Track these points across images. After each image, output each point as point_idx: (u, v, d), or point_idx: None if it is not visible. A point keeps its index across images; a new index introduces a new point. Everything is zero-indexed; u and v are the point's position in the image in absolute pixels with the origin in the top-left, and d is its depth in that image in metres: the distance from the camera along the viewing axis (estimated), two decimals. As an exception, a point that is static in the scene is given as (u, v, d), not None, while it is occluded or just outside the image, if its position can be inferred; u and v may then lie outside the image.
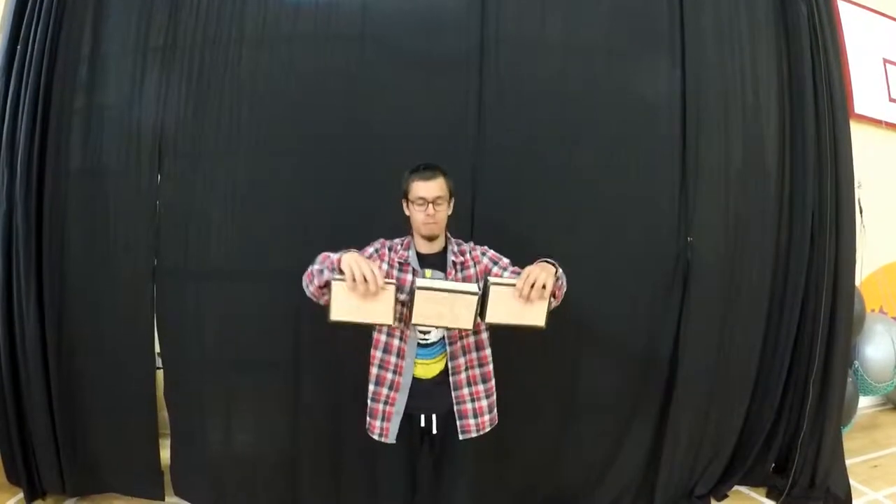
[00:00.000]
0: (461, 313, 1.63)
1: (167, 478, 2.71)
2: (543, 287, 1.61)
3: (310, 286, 1.77)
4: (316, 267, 1.74)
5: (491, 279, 1.64)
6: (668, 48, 2.71)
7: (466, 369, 1.91)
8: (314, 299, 1.79)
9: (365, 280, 1.58)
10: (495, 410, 2.00)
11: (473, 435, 1.92)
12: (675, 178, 2.69)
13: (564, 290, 1.81)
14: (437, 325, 1.74)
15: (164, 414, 2.71)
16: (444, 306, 1.62)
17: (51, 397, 2.58)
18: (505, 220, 2.56)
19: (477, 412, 1.92)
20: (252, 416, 2.64)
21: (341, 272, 1.62)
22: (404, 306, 1.82)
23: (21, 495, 2.66)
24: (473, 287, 1.67)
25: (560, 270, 1.75)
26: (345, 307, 1.62)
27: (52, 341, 2.57)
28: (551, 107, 2.62)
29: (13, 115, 2.55)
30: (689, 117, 2.68)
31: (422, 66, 2.57)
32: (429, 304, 1.62)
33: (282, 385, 2.58)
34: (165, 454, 2.71)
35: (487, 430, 1.95)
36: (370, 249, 1.94)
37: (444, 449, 1.96)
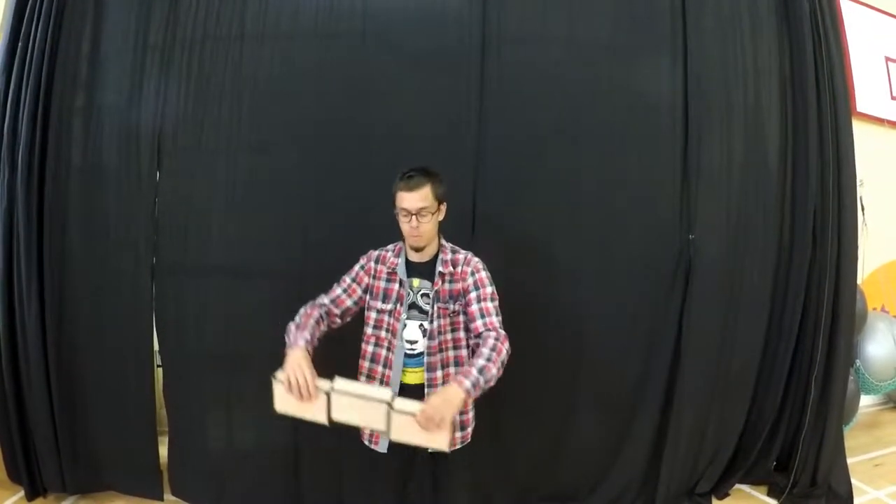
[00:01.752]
0: (375, 417, 1.64)
1: (167, 476, 2.71)
2: (441, 421, 1.58)
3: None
4: (289, 334, 1.81)
5: (396, 404, 1.63)
6: (670, 46, 2.70)
7: (442, 383, 1.84)
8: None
9: (298, 386, 1.62)
10: (469, 430, 1.94)
11: (458, 446, 1.87)
12: (676, 175, 2.68)
13: (498, 374, 1.73)
14: (354, 424, 1.75)
15: (164, 412, 2.71)
16: (356, 410, 1.66)
17: (51, 395, 2.58)
18: (506, 217, 2.56)
19: (463, 424, 1.90)
20: (251, 414, 2.63)
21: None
22: (389, 314, 1.89)
23: (22, 493, 2.67)
24: (386, 394, 1.66)
25: (485, 375, 1.67)
26: (285, 403, 1.69)
27: (53, 339, 2.57)
28: (553, 104, 2.61)
29: (14, 113, 2.56)
30: (690, 115, 2.67)
31: (423, 64, 2.56)
32: (343, 405, 1.66)
33: (282, 383, 2.58)
34: (165, 452, 2.70)
35: (458, 447, 1.88)
36: (356, 267, 1.95)
37: (439, 457, 1.93)
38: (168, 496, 2.70)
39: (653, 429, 2.71)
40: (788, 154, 2.83)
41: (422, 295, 1.88)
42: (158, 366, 2.69)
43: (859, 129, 3.12)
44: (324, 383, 1.66)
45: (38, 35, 2.53)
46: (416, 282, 1.88)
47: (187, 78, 2.58)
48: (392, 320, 1.88)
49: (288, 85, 2.57)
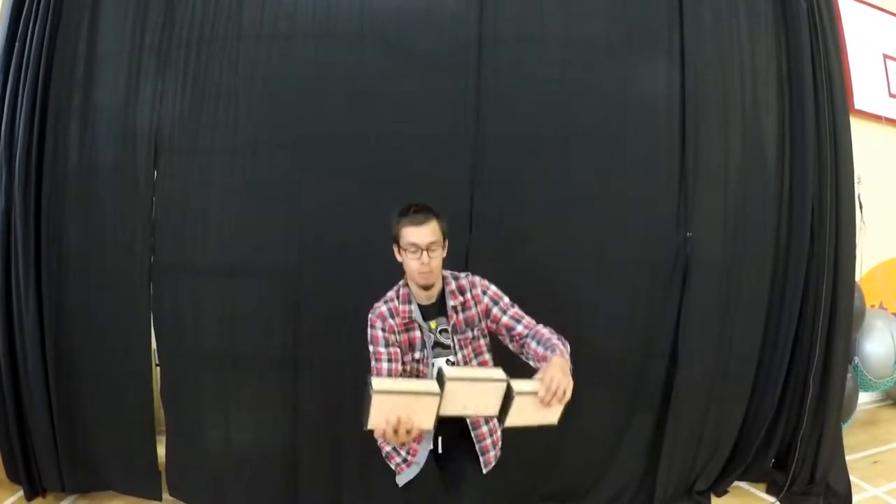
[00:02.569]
0: (488, 401, 1.55)
1: (165, 476, 2.71)
2: (564, 393, 1.54)
3: None
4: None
5: (514, 385, 1.53)
6: (667, 45, 2.70)
7: None
8: None
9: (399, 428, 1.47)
10: (499, 447, 1.96)
11: (494, 463, 1.90)
12: (674, 174, 2.68)
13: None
14: (463, 414, 1.60)
15: (162, 412, 2.71)
16: (468, 397, 1.54)
17: (50, 395, 2.58)
18: (504, 217, 2.55)
19: (495, 444, 1.91)
20: (250, 413, 2.64)
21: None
22: (418, 363, 1.82)
23: (21, 493, 2.67)
24: (500, 374, 1.57)
25: (567, 350, 1.70)
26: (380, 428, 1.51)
27: (51, 339, 2.57)
28: (550, 104, 2.61)
29: (11, 113, 2.55)
30: (688, 114, 2.67)
31: (421, 65, 2.56)
32: (454, 396, 1.52)
33: (280, 382, 2.58)
34: (163, 452, 2.70)
35: (493, 464, 1.91)
36: (379, 334, 1.81)
37: (450, 460, 1.90)
38: (166, 496, 2.69)
39: (651, 426, 2.71)
40: (786, 152, 2.83)
41: (441, 331, 1.85)
42: (156, 365, 2.70)
43: (857, 127, 3.12)
44: (430, 384, 1.53)
45: (35, 35, 2.53)
46: (433, 324, 1.85)
47: (184, 78, 2.58)
48: (422, 367, 1.85)
49: (285, 85, 2.56)
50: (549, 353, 1.69)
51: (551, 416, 1.58)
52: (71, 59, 2.60)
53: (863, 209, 3.60)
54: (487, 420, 1.88)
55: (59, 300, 2.59)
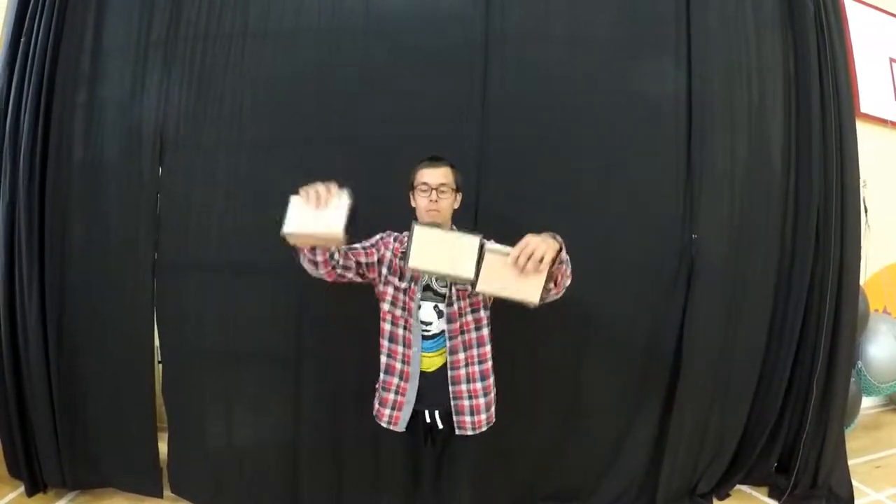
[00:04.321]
0: (462, 259, 1.50)
1: (166, 473, 2.71)
2: (541, 260, 1.47)
3: (304, 261, 1.78)
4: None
5: (487, 245, 1.51)
6: (674, 45, 2.69)
7: (466, 365, 1.90)
8: (315, 270, 1.80)
9: (318, 192, 1.57)
10: (493, 409, 1.98)
11: (469, 433, 1.90)
12: (679, 175, 2.67)
13: (568, 280, 1.69)
14: (437, 271, 1.58)
15: (164, 409, 2.71)
16: (443, 250, 1.51)
17: (52, 391, 2.58)
18: (508, 215, 2.54)
19: (473, 409, 1.91)
20: (252, 411, 2.63)
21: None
22: (403, 292, 1.85)
23: (22, 489, 2.67)
24: (476, 235, 1.55)
25: (565, 253, 1.63)
26: (298, 220, 1.61)
27: (54, 335, 2.57)
28: (555, 104, 2.60)
29: (16, 108, 2.55)
30: (694, 115, 2.66)
31: (426, 63, 2.55)
32: (428, 247, 1.52)
33: (282, 380, 2.58)
34: (165, 449, 2.70)
35: (484, 429, 1.93)
36: (375, 237, 1.94)
37: (447, 447, 1.95)
38: (167, 493, 2.70)
39: (654, 429, 2.70)
40: (792, 155, 2.82)
41: (436, 278, 1.87)
42: (159, 362, 2.70)
43: (863, 130, 3.11)
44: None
45: (41, 30, 2.53)
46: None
47: (189, 74, 2.58)
48: (406, 298, 1.89)
49: (290, 83, 2.56)
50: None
51: (530, 290, 1.48)
52: (76, 54, 2.60)
53: (868, 213, 3.59)
54: (469, 378, 1.89)
55: (63, 296, 2.59)
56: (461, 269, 1.51)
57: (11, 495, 2.67)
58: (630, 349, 2.66)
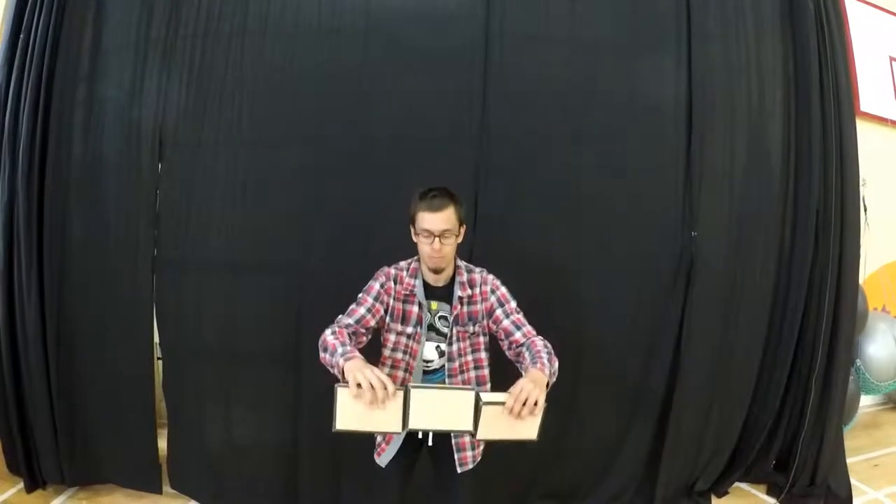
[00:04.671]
0: (460, 414, 1.52)
1: (166, 470, 2.72)
2: (535, 404, 1.49)
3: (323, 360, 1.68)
4: (331, 353, 1.63)
5: (483, 397, 1.51)
6: (674, 45, 2.69)
7: None
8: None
9: (372, 387, 1.45)
10: (481, 447, 1.93)
11: (470, 466, 1.88)
12: (679, 175, 2.67)
13: (556, 375, 1.70)
14: (435, 428, 1.63)
15: (163, 406, 2.71)
16: (439, 407, 1.52)
17: (51, 388, 2.59)
18: (508, 216, 2.55)
19: (474, 444, 1.89)
20: (251, 408, 2.64)
21: (345, 381, 1.51)
22: (409, 338, 1.82)
23: (21, 485, 2.67)
24: (469, 388, 1.61)
25: (553, 367, 1.66)
26: (350, 415, 1.51)
27: (53, 332, 2.57)
28: (556, 104, 2.60)
29: (15, 106, 2.55)
30: (694, 115, 2.66)
31: (425, 62, 2.55)
32: (425, 406, 1.51)
33: (281, 378, 2.58)
34: (164, 446, 2.71)
35: (470, 467, 1.89)
36: (376, 286, 1.82)
37: (442, 460, 1.91)
38: (167, 489, 2.70)
39: (653, 427, 2.71)
40: (791, 154, 2.82)
41: (439, 317, 1.84)
42: (158, 359, 2.70)
43: (863, 129, 3.11)
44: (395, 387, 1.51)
45: (40, 28, 2.52)
46: (434, 305, 1.83)
47: (189, 73, 2.57)
48: (413, 343, 1.84)
49: (289, 82, 2.56)
50: (531, 364, 1.66)
51: (528, 430, 1.53)
52: (76, 52, 2.60)
53: (867, 211, 3.59)
54: None
55: (61, 293, 2.59)
56: (461, 423, 1.54)
57: (10, 492, 2.67)
58: (630, 347, 2.67)
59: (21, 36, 2.55)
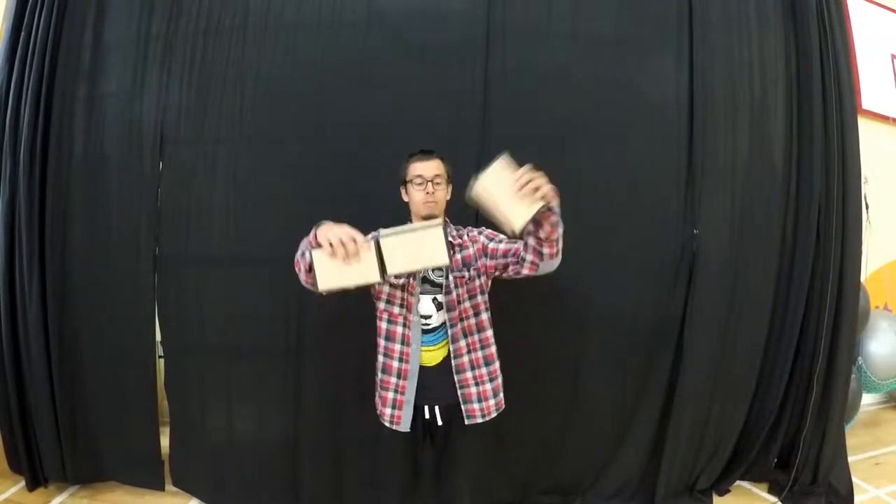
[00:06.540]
0: (434, 249, 1.58)
1: (168, 467, 2.72)
2: (538, 190, 1.55)
3: (300, 274, 1.73)
4: (298, 254, 1.71)
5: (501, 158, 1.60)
6: (676, 42, 2.69)
7: (468, 352, 1.90)
8: (310, 287, 1.74)
9: (342, 243, 1.54)
10: (501, 395, 1.98)
11: (479, 420, 1.90)
12: (681, 172, 2.66)
13: (559, 245, 1.74)
14: (413, 268, 1.68)
15: (165, 403, 2.71)
16: (411, 251, 1.58)
17: (53, 385, 2.59)
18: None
19: (481, 396, 1.91)
20: (253, 405, 2.64)
21: (319, 245, 1.59)
22: (402, 289, 1.84)
23: (23, 483, 2.68)
24: (435, 222, 1.63)
25: (558, 209, 1.69)
26: (330, 274, 1.59)
27: (54, 329, 2.58)
28: (557, 100, 2.60)
29: (16, 103, 2.56)
30: (696, 111, 2.66)
31: (427, 58, 2.55)
32: (398, 250, 1.59)
33: (283, 374, 2.58)
34: (166, 443, 2.71)
35: (494, 415, 1.93)
36: (368, 236, 1.88)
37: (447, 444, 1.95)
38: (169, 486, 2.71)
39: (654, 424, 2.70)
40: (793, 151, 2.81)
41: (433, 269, 1.87)
42: (160, 356, 2.70)
43: (865, 127, 3.10)
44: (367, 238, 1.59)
45: (41, 24, 2.53)
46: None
47: (190, 68, 2.58)
48: (406, 295, 1.88)
49: (291, 77, 2.56)
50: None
51: (518, 213, 1.59)
52: (77, 48, 2.61)
53: (869, 209, 3.59)
54: (473, 365, 1.90)
55: (63, 290, 2.60)
56: (435, 259, 1.59)
57: (12, 489, 2.68)
58: (631, 344, 2.66)
59: (22, 33, 2.56)
